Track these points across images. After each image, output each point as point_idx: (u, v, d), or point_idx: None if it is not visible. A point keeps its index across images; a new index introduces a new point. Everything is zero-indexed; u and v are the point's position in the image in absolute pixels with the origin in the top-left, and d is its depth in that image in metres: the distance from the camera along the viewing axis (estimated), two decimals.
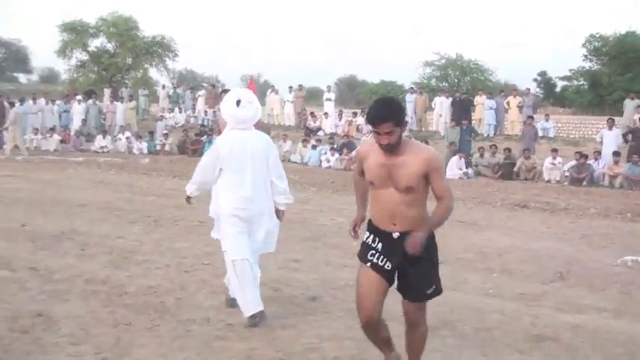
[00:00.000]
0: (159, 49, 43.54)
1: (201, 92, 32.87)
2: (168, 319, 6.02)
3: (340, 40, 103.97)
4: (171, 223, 10.70)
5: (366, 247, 4.51)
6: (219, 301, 6.56)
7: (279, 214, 6.40)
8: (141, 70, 43.69)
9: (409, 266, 4.36)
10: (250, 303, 5.92)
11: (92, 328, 5.70)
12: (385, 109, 4.27)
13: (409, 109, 27.91)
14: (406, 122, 4.44)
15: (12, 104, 26.01)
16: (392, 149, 4.26)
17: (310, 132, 26.41)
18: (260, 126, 6.65)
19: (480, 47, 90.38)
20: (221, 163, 6.06)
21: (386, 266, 4.41)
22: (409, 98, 28.90)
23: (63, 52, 42.10)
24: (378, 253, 4.43)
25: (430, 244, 4.39)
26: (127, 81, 40.93)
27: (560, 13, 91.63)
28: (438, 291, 4.51)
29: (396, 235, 4.37)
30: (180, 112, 31.66)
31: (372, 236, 4.50)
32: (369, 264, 4.44)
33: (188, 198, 6.39)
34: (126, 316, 6.07)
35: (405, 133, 4.57)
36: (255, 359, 5.14)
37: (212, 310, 6.29)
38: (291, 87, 30.92)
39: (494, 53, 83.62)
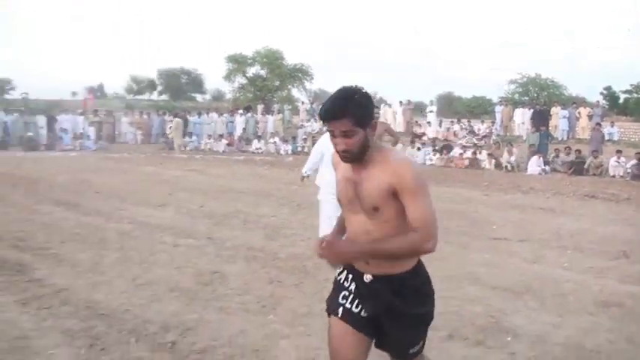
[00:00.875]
0: (299, 74, 44.01)
1: None
2: (310, 279, 6.12)
3: (438, 62, 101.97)
4: (310, 207, 10.80)
5: (337, 287, 2.78)
6: None
7: None
8: (285, 90, 44.32)
9: (388, 319, 2.66)
10: None
11: (253, 284, 5.89)
12: (341, 102, 2.52)
13: (497, 118, 27.46)
14: (375, 123, 2.57)
15: (176, 115, 27.42)
16: (353, 158, 2.56)
17: (416, 137, 26.06)
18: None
19: (552, 65, 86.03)
20: (322, 149, 6.55)
21: (362, 314, 2.67)
22: (497, 109, 28.71)
23: (228, 77, 43.41)
24: (351, 296, 2.71)
25: (423, 290, 2.71)
26: (275, 99, 41.79)
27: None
28: (421, 349, 2.79)
29: (367, 278, 2.66)
30: (315, 122, 32.00)
31: (345, 272, 2.78)
32: (339, 311, 2.69)
33: (303, 178, 7.06)
34: (278, 275, 6.23)
35: (389, 138, 2.84)
36: None
37: None
38: (401, 101, 30.67)
39: (564, 67, 79.56)
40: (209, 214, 9.77)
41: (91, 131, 26.56)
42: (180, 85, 70.35)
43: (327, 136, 6.93)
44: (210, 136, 26.88)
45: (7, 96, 67.75)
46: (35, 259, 6.63)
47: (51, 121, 26.52)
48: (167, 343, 4.32)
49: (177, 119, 26.19)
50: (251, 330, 4.65)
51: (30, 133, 25.29)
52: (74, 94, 76.08)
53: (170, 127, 26.11)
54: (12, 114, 27.56)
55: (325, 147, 6.44)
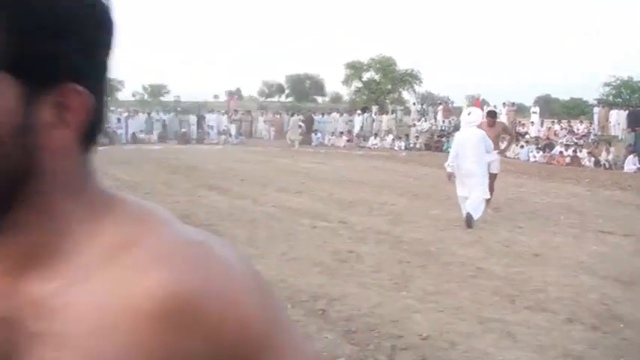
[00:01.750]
0: (409, 78, 43.53)
1: (439, 107, 32.54)
2: (434, 262, 6.05)
3: (537, 66, 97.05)
4: (426, 197, 10.69)
5: None
6: (473, 250, 6.52)
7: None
8: (397, 93, 44.03)
9: None
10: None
11: (384, 263, 5.91)
12: None
13: (595, 118, 26.07)
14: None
15: (292, 114, 27.97)
16: None
17: (519, 135, 25.01)
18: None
19: None
20: (457, 148, 7.56)
21: None
22: (595, 110, 27.32)
23: (346, 81, 43.77)
24: None
25: None
26: (387, 100, 41.56)
27: None
28: None
29: None
30: (425, 121, 31.53)
31: None
32: None
33: (449, 175, 7.41)
34: (405, 257, 6.19)
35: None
36: (498, 294, 5.04)
37: (465, 257, 6.24)
38: (504, 103, 29.48)
39: None
40: (338, 200, 9.89)
41: (233, 128, 27.69)
42: (305, 89, 71.73)
43: (460, 134, 7.89)
44: (332, 133, 27.18)
45: (162, 98, 72.56)
46: None
47: (200, 120, 27.98)
48: (318, 310, 4.46)
49: (293, 118, 26.89)
50: (387, 303, 4.68)
51: (183, 129, 26.84)
52: (216, 96, 79.89)
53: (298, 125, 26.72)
54: (169, 113, 29.34)
55: (462, 144, 7.61)
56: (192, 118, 28.12)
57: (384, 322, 4.25)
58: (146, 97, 75.31)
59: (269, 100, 77.66)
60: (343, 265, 5.76)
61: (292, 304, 4.51)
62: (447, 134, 24.24)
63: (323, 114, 29.86)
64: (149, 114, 29.16)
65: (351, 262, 5.88)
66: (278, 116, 31.22)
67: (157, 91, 75.55)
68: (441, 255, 6.32)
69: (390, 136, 26.51)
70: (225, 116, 28.43)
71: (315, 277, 5.34)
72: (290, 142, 24.94)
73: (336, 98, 71.81)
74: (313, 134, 26.81)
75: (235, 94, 28.33)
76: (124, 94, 75.84)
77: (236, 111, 30.45)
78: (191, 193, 10.42)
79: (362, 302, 4.66)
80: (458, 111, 26.97)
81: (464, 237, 7.13)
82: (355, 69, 43.15)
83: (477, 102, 26.80)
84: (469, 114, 8.08)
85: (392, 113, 32.04)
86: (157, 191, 10.61)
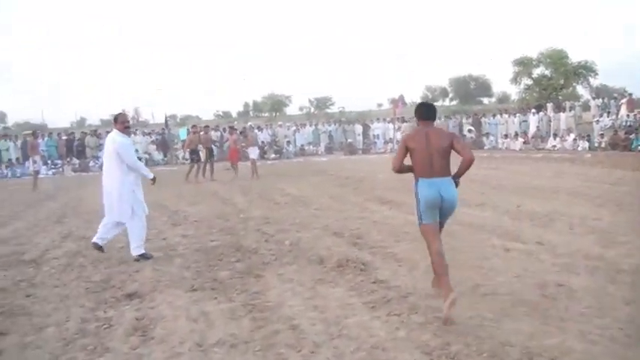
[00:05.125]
0: (583, 71, 39.16)
1: (623, 100, 28.60)
2: None
3: None
4: (631, 207, 8.76)
5: None
6: None
7: None
8: (571, 88, 39.88)
9: None
10: None
11: (607, 303, 4.53)
12: None
13: None
14: None
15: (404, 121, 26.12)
16: None
17: None
18: None
19: None
20: None
21: None
22: None
23: (514, 79, 40.60)
24: None
25: None
26: (559, 97, 37.74)
27: None
28: None
29: None
30: (607, 116, 27.86)
31: None
32: None
33: None
34: (630, 293, 4.74)
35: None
36: None
37: None
38: None
39: None
40: (528, 214, 8.48)
41: (399, 136, 26.86)
42: (469, 91, 68.87)
43: None
44: (505, 136, 25.10)
45: (327, 110, 74.41)
46: (375, 258, 6.22)
47: (365, 129, 27.58)
48: None
49: (404, 124, 25.51)
50: None
51: (349, 140, 26.62)
52: (380, 104, 79.98)
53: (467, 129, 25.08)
54: (334, 124, 29.38)
55: None
56: (358, 128, 27.86)
57: None
58: (312, 110, 77.90)
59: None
60: (554, 305, 4.51)
61: None
62: (635, 130, 20.97)
63: (494, 115, 27.71)
64: (316, 126, 29.50)
65: (562, 300, 4.62)
66: (444, 121, 29.74)
67: (322, 103, 77.74)
68: None
69: (572, 136, 23.71)
70: (391, 124, 27.63)
71: (521, 320, 4.20)
72: None
73: (503, 98, 67.93)
74: (484, 137, 24.96)
75: (399, 101, 27.33)
76: (291, 109, 79.43)
77: (401, 118, 29.39)
78: (362, 208, 9.73)
79: None
80: None
81: None
82: (524, 65, 39.96)
83: None
84: None
85: (570, 110, 28.84)
86: (326, 206, 10.08)
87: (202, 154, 16.79)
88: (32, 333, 4.45)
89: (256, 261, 6.32)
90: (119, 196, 6.62)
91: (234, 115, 75.90)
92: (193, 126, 18.99)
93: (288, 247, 6.94)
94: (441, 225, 4.65)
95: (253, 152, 17.18)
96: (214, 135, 24.19)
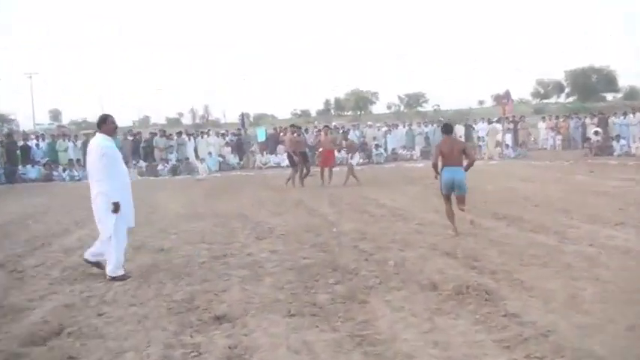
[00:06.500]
0: None
1: None
2: None
3: None
4: None
5: None
6: None
7: None
8: None
9: None
10: None
11: None
12: None
13: None
14: None
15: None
16: None
17: None
18: None
19: None
20: None
21: None
22: None
23: None
24: None
25: None
26: None
27: None
28: None
29: None
30: None
31: None
32: None
33: None
34: None
35: None
36: None
37: None
38: None
39: None
40: None
41: (508, 138, 26.02)
42: (590, 85, 65.88)
43: None
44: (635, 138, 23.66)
45: (420, 109, 73.62)
46: (499, 285, 5.91)
47: (468, 130, 26.90)
48: None
49: (491, 125, 24.45)
50: None
51: None
52: (481, 102, 78.22)
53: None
54: (430, 125, 28.85)
55: None
56: (459, 129, 27.18)
57: None
58: (402, 107, 77.33)
59: (545, 101, 73.29)
60: None
61: None
62: None
63: (624, 113, 26.16)
64: (410, 126, 29.04)
65: None
66: (562, 121, 28.51)
67: (413, 100, 77.01)
68: None
69: None
70: (499, 124, 26.68)
71: None
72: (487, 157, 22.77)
73: (632, 93, 64.45)
74: (614, 141, 23.64)
75: (506, 97, 26.43)
76: (378, 107, 79.16)
77: (509, 118, 28.16)
78: (476, 225, 9.36)
79: None
80: None
81: None
82: None
83: None
84: None
85: None
86: (429, 221, 9.81)
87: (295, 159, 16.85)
88: (108, 358, 4.51)
89: (358, 284, 6.19)
90: (129, 201, 6.97)
91: (313, 113, 76.74)
92: (292, 125, 19.17)
93: (393, 268, 6.76)
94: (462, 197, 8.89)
95: (354, 157, 17.36)
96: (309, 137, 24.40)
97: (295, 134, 17.37)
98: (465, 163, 8.87)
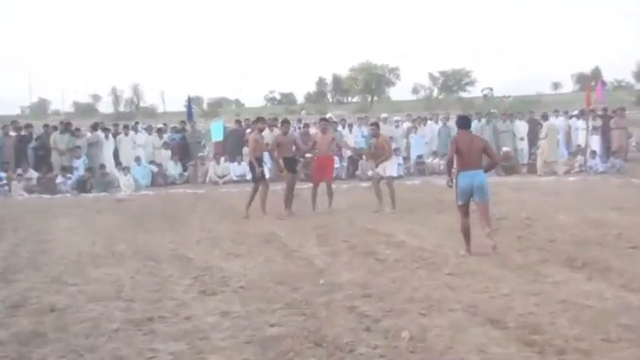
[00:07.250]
0: None
1: None
2: None
3: None
4: None
5: None
6: None
7: None
8: None
9: None
10: None
11: None
12: None
13: None
14: None
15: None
16: None
17: None
18: None
19: None
20: None
21: None
22: None
23: None
24: None
25: None
26: None
27: None
28: None
29: None
30: None
31: None
32: None
33: None
34: None
35: None
36: None
37: None
38: None
39: None
40: None
41: (595, 142, 25.93)
42: None
43: None
44: None
45: (462, 94, 73.93)
46: None
47: (534, 128, 26.93)
48: None
49: (547, 123, 25.55)
50: None
51: (505, 148, 26.09)
52: (556, 85, 78.74)
53: None
54: (477, 119, 28.89)
55: None
56: (521, 127, 27.27)
57: None
58: (435, 92, 77.87)
59: None
60: None
61: None
62: None
63: None
64: (446, 122, 28.93)
65: None
66: None
67: (453, 81, 77.35)
68: None
69: None
70: (582, 121, 26.55)
71: None
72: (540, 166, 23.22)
73: None
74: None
75: (598, 82, 26.59)
76: (398, 91, 79.36)
77: (596, 111, 27.73)
78: (534, 275, 9.44)
79: None
80: None
81: None
82: None
83: None
84: None
85: None
86: (467, 270, 9.85)
87: (267, 169, 16.67)
88: None
89: None
90: None
91: (300, 99, 76.93)
92: (260, 119, 18.30)
93: (408, 343, 6.78)
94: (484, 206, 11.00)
95: (391, 166, 17.21)
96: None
97: (280, 131, 17.44)
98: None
